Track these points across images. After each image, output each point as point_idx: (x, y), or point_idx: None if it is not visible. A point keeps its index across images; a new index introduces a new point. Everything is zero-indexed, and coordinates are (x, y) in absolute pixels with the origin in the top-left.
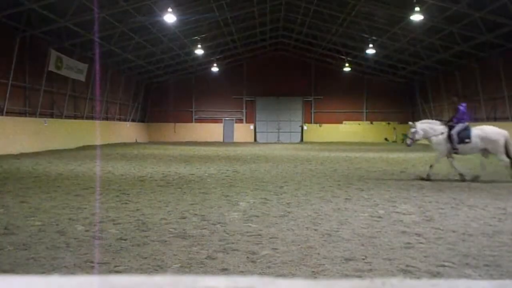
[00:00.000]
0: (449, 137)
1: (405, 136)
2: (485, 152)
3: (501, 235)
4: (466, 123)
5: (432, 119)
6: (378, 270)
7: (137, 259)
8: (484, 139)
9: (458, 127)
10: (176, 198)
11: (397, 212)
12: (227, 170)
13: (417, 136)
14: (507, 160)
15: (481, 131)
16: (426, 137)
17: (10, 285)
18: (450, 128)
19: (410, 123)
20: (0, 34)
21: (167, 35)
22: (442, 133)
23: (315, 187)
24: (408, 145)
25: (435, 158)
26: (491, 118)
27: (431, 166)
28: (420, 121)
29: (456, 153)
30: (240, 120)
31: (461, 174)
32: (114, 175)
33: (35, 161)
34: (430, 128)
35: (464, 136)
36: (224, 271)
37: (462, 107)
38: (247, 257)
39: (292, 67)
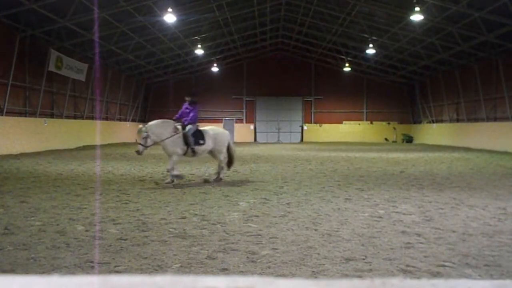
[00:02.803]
0: (185, 138)
1: (405, 136)
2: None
3: (501, 235)
4: (196, 124)
5: (433, 118)
6: (378, 270)
7: (137, 259)
8: (215, 140)
9: (192, 127)
10: (176, 198)
11: (397, 212)
12: (227, 170)
13: (149, 142)
14: (225, 159)
15: (213, 132)
16: (160, 140)
17: (10, 285)
18: (183, 128)
19: (140, 126)
20: (0, 34)
21: (167, 35)
22: (175, 133)
23: (315, 187)
24: (139, 153)
25: (172, 162)
26: (491, 118)
27: (172, 170)
28: (151, 123)
29: (193, 155)
30: (240, 120)
31: (178, 176)
32: (114, 175)
33: (35, 161)
34: (164, 130)
35: (199, 137)
36: (224, 271)
37: (193, 106)
38: (247, 257)
39: (292, 67)
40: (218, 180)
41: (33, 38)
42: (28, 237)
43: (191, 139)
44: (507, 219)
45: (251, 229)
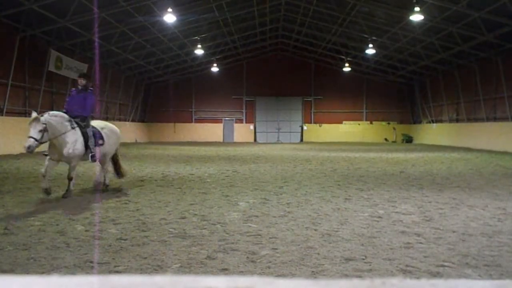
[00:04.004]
0: (84, 138)
1: (405, 136)
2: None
3: (501, 235)
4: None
5: (432, 118)
6: (378, 270)
7: (137, 259)
8: (109, 138)
9: (91, 124)
10: (176, 198)
11: (397, 212)
12: (227, 170)
13: (45, 137)
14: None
15: (106, 128)
16: (55, 136)
17: (10, 285)
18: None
19: (36, 115)
20: (0, 34)
21: (167, 35)
22: (73, 129)
23: (315, 187)
24: (31, 151)
25: (72, 167)
26: (491, 118)
27: (70, 179)
28: (51, 114)
29: (93, 160)
30: (240, 120)
31: (46, 190)
32: (114, 175)
33: (35, 161)
34: (61, 125)
35: (98, 137)
36: (224, 271)
37: (86, 91)
38: (247, 257)
39: (292, 67)
40: (105, 188)
41: (33, 38)
42: (28, 237)
43: (92, 139)
44: (507, 219)
45: (251, 229)
